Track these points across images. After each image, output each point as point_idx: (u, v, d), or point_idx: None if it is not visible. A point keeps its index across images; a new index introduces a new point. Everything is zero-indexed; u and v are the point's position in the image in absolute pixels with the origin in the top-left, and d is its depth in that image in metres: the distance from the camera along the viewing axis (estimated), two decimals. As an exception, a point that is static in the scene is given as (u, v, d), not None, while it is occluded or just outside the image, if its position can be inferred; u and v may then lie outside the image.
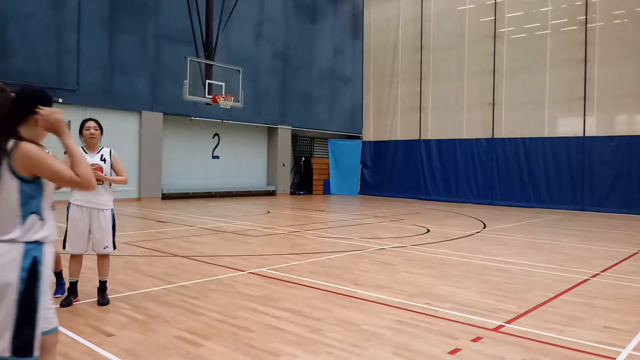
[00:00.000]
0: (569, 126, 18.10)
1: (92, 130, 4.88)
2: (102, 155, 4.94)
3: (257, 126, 22.31)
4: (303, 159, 24.83)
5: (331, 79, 25.20)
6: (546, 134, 18.47)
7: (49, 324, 2.41)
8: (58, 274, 5.20)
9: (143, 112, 17.72)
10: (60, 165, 2.23)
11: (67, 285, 5.06)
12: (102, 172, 4.82)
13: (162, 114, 18.20)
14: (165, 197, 18.63)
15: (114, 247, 4.98)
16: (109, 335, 3.96)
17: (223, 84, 16.91)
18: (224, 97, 16.52)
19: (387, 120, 23.43)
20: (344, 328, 4.22)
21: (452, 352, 3.71)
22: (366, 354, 3.66)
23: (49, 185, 2.31)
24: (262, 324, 4.28)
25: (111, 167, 4.97)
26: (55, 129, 2.29)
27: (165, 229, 10.41)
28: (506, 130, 19.52)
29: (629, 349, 3.85)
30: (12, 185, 2.18)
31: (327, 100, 25.01)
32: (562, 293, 5.61)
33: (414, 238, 9.86)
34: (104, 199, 4.90)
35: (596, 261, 7.71)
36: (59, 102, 15.60)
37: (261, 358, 3.55)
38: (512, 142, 19.18)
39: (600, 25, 17.39)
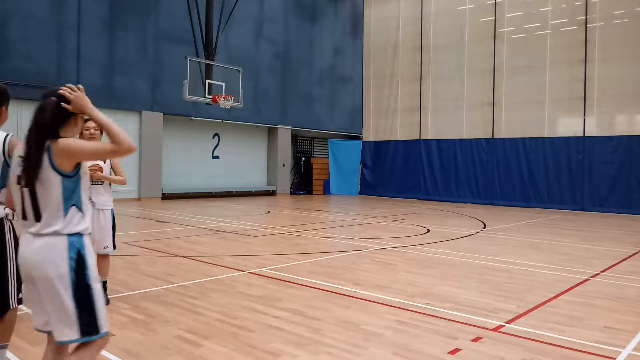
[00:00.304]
0: (569, 126, 18.09)
1: (92, 130, 4.86)
2: None
3: (257, 126, 22.31)
4: (303, 159, 24.83)
5: (331, 79, 25.21)
6: (546, 134, 18.47)
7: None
8: None
9: (143, 112, 17.72)
10: (96, 143, 2.36)
11: None
12: (102, 172, 4.81)
13: (162, 114, 18.20)
14: (165, 197, 18.63)
15: (114, 247, 4.98)
16: (109, 335, 3.95)
17: (223, 84, 16.92)
18: (224, 97, 16.53)
19: (387, 120, 23.43)
20: (344, 328, 4.22)
21: (452, 352, 3.71)
22: (366, 354, 3.66)
23: (86, 179, 2.43)
24: (262, 324, 4.28)
25: (111, 167, 4.97)
26: (79, 108, 2.37)
27: (165, 229, 10.41)
28: (506, 130, 19.52)
29: (629, 349, 3.85)
30: (55, 182, 2.30)
31: (327, 100, 25.01)
32: (562, 293, 5.61)
33: (414, 238, 9.86)
34: (104, 199, 4.91)
35: (596, 261, 7.71)
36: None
37: (261, 358, 3.55)
38: (512, 142, 19.17)
39: (600, 25, 17.39)
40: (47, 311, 2.36)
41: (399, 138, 22.91)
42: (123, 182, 5.00)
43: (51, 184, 2.30)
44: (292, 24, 23.24)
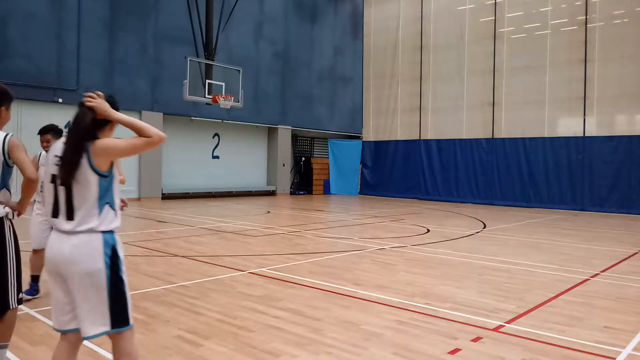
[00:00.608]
0: (569, 126, 18.09)
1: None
2: None
3: (257, 126, 22.31)
4: (303, 159, 24.83)
5: (331, 79, 25.21)
6: (546, 134, 18.47)
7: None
8: (36, 277, 5.15)
9: (143, 112, 17.71)
10: (129, 139, 2.47)
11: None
12: None
13: (162, 114, 18.20)
14: (165, 197, 18.63)
15: None
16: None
17: (223, 84, 16.92)
18: (224, 97, 16.53)
19: (387, 120, 23.42)
20: (344, 328, 4.22)
21: (452, 352, 3.72)
22: (366, 354, 3.66)
23: (117, 180, 2.57)
24: (262, 324, 4.28)
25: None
26: (103, 113, 2.51)
27: (165, 229, 10.41)
28: (506, 130, 19.52)
29: (629, 349, 3.85)
30: (92, 181, 2.43)
31: (327, 100, 25.01)
32: (562, 293, 5.61)
33: (414, 238, 9.86)
34: None
35: (596, 261, 7.71)
36: (59, 102, 15.62)
37: (261, 358, 3.55)
38: (512, 142, 19.17)
39: (600, 25, 17.39)
40: (76, 307, 2.46)
41: (399, 138, 22.90)
42: (122, 182, 4.99)
43: (88, 184, 2.42)
44: (292, 24, 23.24)
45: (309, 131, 24.67)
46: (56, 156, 2.49)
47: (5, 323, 3.11)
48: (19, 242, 3.25)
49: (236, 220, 12.32)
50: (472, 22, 20.52)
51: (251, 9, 21.16)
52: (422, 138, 22.00)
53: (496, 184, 19.53)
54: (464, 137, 20.55)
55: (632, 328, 4.37)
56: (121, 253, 2.53)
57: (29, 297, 5.01)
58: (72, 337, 2.58)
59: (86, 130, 2.48)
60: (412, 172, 22.04)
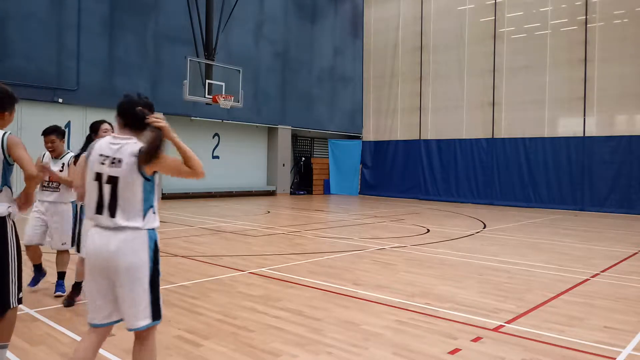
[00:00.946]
0: (569, 126, 18.09)
1: (110, 133, 5.03)
2: None
3: (257, 126, 22.31)
4: (303, 159, 24.83)
5: (331, 79, 25.21)
6: (546, 134, 18.47)
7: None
8: (38, 266, 5.33)
9: (143, 112, 17.68)
10: (177, 161, 2.62)
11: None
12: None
13: (162, 114, 17.95)
14: (165, 197, 18.63)
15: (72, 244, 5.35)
16: (110, 335, 3.95)
17: (223, 84, 16.91)
18: (224, 97, 16.52)
19: (387, 120, 23.42)
20: (344, 328, 4.22)
21: (452, 352, 3.72)
22: (366, 354, 3.66)
23: (158, 185, 2.72)
24: (262, 324, 4.28)
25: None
26: (169, 135, 2.64)
27: (165, 229, 10.41)
28: (506, 130, 19.51)
29: (629, 349, 3.85)
30: (138, 183, 2.57)
31: (327, 100, 25.01)
32: (562, 293, 5.61)
33: (414, 238, 9.86)
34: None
35: (596, 261, 7.71)
36: (59, 102, 15.62)
37: (261, 358, 3.55)
38: (512, 142, 19.17)
39: (600, 25, 17.39)
40: (120, 301, 2.57)
41: (399, 138, 22.90)
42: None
43: (134, 185, 2.56)
44: (292, 24, 23.24)
45: (309, 131, 24.67)
46: (101, 155, 2.60)
47: (6, 322, 3.11)
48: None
49: (236, 220, 12.32)
50: (472, 22, 20.52)
51: (251, 9, 21.16)
52: (422, 138, 21.99)
53: (496, 184, 19.53)
54: (464, 137, 20.55)
55: (632, 328, 4.37)
56: (159, 249, 2.68)
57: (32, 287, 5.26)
58: (104, 331, 2.70)
59: (155, 149, 2.56)
60: (412, 172, 22.04)
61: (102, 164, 2.59)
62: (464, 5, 20.77)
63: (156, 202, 2.68)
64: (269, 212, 15.12)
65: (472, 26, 20.50)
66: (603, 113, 17.32)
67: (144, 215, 2.59)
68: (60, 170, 5.15)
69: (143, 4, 17.82)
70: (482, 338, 4.04)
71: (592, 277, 6.55)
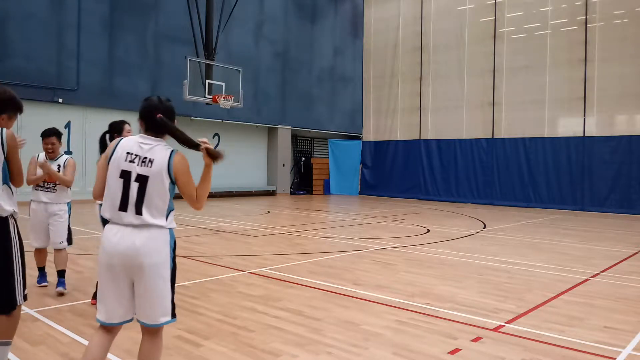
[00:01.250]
0: (569, 126, 18.09)
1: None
2: None
3: (257, 126, 22.31)
4: (303, 159, 24.83)
5: (331, 79, 25.21)
6: (546, 134, 18.47)
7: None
8: (42, 269, 5.46)
9: (143, 112, 17.68)
10: (194, 185, 2.75)
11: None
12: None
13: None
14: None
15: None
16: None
17: (223, 84, 16.90)
18: (224, 97, 16.51)
19: (387, 120, 23.43)
20: (344, 328, 4.22)
21: (452, 352, 3.72)
22: (366, 354, 3.66)
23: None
24: (262, 324, 4.28)
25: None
26: (215, 155, 2.84)
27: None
28: (506, 130, 19.52)
29: (629, 349, 3.85)
30: (166, 185, 2.65)
31: (327, 100, 25.01)
32: (562, 293, 5.61)
33: (414, 238, 9.86)
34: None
35: (596, 261, 7.71)
36: (59, 102, 15.61)
37: (261, 358, 3.55)
38: (512, 142, 19.17)
39: (600, 25, 17.39)
40: (141, 298, 2.60)
41: (399, 138, 22.91)
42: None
43: (163, 186, 2.64)
44: (292, 24, 23.23)
45: (309, 131, 24.67)
46: (129, 153, 2.66)
47: (11, 320, 3.12)
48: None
49: (236, 220, 12.32)
50: (472, 22, 20.52)
51: (251, 9, 21.16)
52: (422, 138, 22.00)
53: (496, 184, 19.53)
54: (464, 137, 20.55)
55: (632, 328, 4.37)
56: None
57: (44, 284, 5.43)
58: (116, 330, 2.73)
59: (217, 157, 2.84)
60: (412, 172, 22.04)
61: (131, 162, 2.63)
62: (464, 5, 20.77)
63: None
64: (269, 212, 15.12)
65: (472, 26, 20.50)
66: (603, 113, 17.32)
67: (167, 214, 2.66)
68: (57, 172, 5.23)
69: (143, 4, 17.82)
70: (482, 338, 4.04)
71: (592, 277, 6.55)
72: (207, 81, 16.45)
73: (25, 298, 3.18)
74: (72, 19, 15.99)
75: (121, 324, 2.69)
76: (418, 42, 22.22)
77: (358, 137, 25.13)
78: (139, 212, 2.60)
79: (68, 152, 5.37)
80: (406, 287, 5.72)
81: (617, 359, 3.66)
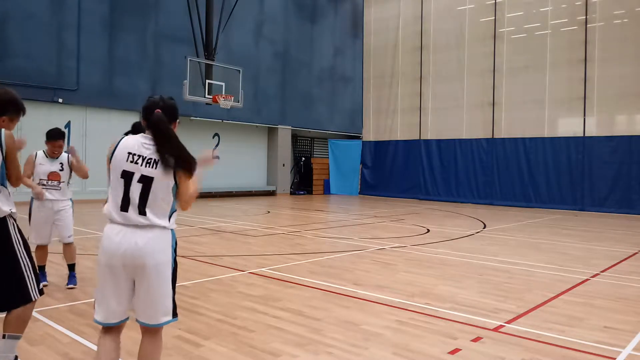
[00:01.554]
0: (569, 126, 18.09)
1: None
2: None
3: (257, 126, 22.31)
4: (303, 159, 24.82)
5: (331, 79, 25.21)
6: (546, 134, 18.47)
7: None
8: (42, 267, 5.48)
9: (143, 112, 17.68)
10: (195, 183, 2.76)
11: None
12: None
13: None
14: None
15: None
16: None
17: (223, 84, 16.90)
18: (224, 97, 16.51)
19: (387, 120, 23.42)
20: (344, 328, 4.22)
21: (452, 352, 3.71)
22: (366, 354, 3.66)
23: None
24: (262, 324, 4.28)
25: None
26: (205, 165, 2.87)
27: (165, 229, 10.39)
28: (506, 130, 19.52)
29: (629, 349, 3.85)
30: (171, 186, 2.65)
31: (327, 100, 25.01)
32: (562, 293, 5.61)
33: (414, 238, 9.86)
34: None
35: (596, 261, 7.71)
36: (59, 102, 15.61)
37: (261, 358, 3.55)
38: (512, 142, 19.17)
39: (600, 25, 17.39)
40: (142, 298, 2.59)
41: (399, 138, 22.91)
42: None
43: (167, 187, 2.63)
44: (292, 24, 23.23)
45: (309, 131, 24.67)
46: (131, 153, 2.63)
47: (25, 313, 3.16)
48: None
49: (236, 220, 12.32)
50: (472, 22, 20.52)
51: (251, 9, 21.16)
52: (422, 138, 22.00)
53: (496, 184, 19.53)
54: (464, 137, 20.55)
55: (632, 328, 4.37)
56: None
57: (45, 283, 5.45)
58: (117, 330, 2.73)
59: (170, 136, 2.67)
60: (412, 172, 22.04)
61: (134, 162, 2.61)
62: (464, 5, 20.77)
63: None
64: (269, 212, 15.12)
65: (472, 26, 20.50)
66: (603, 113, 17.32)
67: (170, 214, 2.67)
68: (61, 170, 5.32)
69: (143, 4, 17.82)
70: (482, 338, 4.04)
71: (592, 277, 6.55)
72: (207, 81, 16.45)
73: (41, 292, 3.21)
74: (72, 19, 15.99)
75: (119, 323, 2.69)
76: (418, 42, 22.22)
77: (358, 137, 25.13)
78: (142, 212, 2.59)
79: (67, 152, 5.43)
80: (406, 287, 5.72)
81: (617, 359, 3.66)
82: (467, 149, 20.40)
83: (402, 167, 22.50)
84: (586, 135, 17.60)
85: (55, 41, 15.67)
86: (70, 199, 5.51)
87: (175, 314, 2.70)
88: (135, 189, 2.60)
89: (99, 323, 2.66)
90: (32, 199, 5.30)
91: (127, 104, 17.35)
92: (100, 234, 2.79)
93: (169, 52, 18.30)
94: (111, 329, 2.69)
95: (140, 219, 2.59)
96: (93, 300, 4.92)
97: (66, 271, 5.58)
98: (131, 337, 3.89)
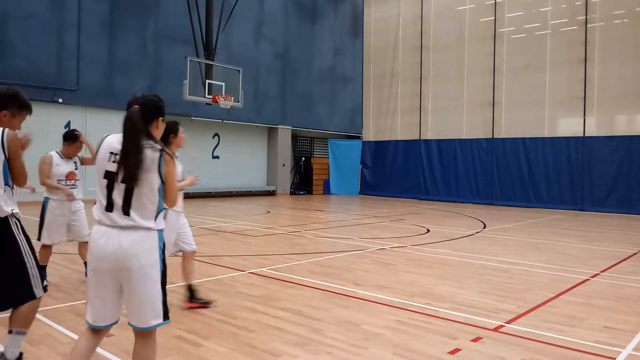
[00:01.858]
0: (569, 126, 18.09)
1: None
2: None
3: (257, 126, 22.31)
4: (303, 159, 24.82)
5: (331, 79, 25.21)
6: (546, 134, 18.47)
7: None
8: (44, 267, 5.51)
9: (143, 112, 17.68)
10: (174, 183, 2.65)
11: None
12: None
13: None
14: (165, 197, 18.60)
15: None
16: (109, 335, 3.94)
17: (223, 84, 16.90)
18: (224, 97, 16.51)
19: (387, 120, 23.43)
20: (344, 328, 4.22)
21: (452, 352, 3.72)
22: (366, 354, 3.66)
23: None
24: (262, 324, 4.28)
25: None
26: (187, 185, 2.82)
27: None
28: (506, 130, 19.52)
29: (629, 349, 3.85)
30: (156, 185, 2.56)
31: (327, 100, 25.01)
32: (562, 293, 5.61)
33: (414, 238, 9.86)
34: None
35: (596, 261, 7.71)
36: (59, 102, 15.61)
37: (261, 358, 3.55)
38: (512, 142, 19.17)
39: (600, 25, 17.39)
40: (131, 301, 2.55)
41: (399, 138, 22.91)
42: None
43: (151, 187, 2.54)
44: (292, 24, 23.24)
45: (309, 131, 24.67)
46: (113, 153, 2.57)
47: (31, 310, 3.17)
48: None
49: (236, 220, 12.32)
50: (472, 22, 20.52)
51: (251, 9, 21.16)
52: (422, 138, 22.00)
53: (496, 184, 19.53)
54: (464, 137, 20.56)
55: (632, 328, 4.37)
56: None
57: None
58: (102, 333, 2.70)
59: (140, 132, 2.59)
60: (412, 172, 22.05)
61: (116, 162, 2.54)
62: (464, 5, 20.77)
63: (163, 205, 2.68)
64: (269, 212, 15.12)
65: (472, 26, 20.50)
66: (603, 113, 17.32)
67: (156, 215, 2.60)
68: (76, 169, 5.43)
69: (143, 4, 17.82)
70: (482, 338, 4.04)
71: (592, 277, 6.55)
72: (207, 81, 16.45)
73: (45, 289, 3.23)
74: (72, 19, 15.99)
75: (108, 326, 2.66)
76: (418, 42, 22.22)
77: (358, 137, 25.13)
78: (126, 213, 2.52)
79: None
80: (406, 287, 5.72)
81: (617, 359, 3.66)
82: (467, 149, 20.40)
83: (402, 167, 22.50)
84: (586, 135, 17.60)
85: (55, 41, 15.67)
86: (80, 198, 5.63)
87: (166, 317, 2.62)
88: (119, 189, 2.52)
89: (89, 324, 2.64)
90: (46, 199, 5.34)
91: (127, 104, 17.31)
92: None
93: (169, 52, 18.30)
94: (96, 331, 2.66)
95: (125, 221, 2.52)
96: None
97: (67, 271, 5.60)
98: (130, 337, 3.89)
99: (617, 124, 17.17)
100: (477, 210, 17.04)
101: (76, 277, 5.86)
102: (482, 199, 19.81)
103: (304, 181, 24.64)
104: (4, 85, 3.29)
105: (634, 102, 16.69)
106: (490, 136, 19.88)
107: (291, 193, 23.79)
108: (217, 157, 21.06)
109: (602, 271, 6.93)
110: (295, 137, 24.47)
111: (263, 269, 6.55)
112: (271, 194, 22.83)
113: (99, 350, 3.60)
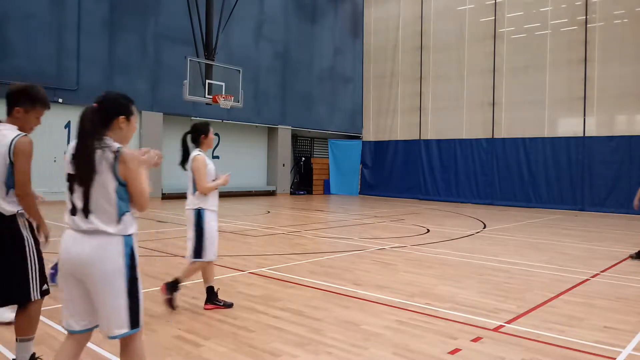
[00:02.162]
0: (569, 126, 18.09)
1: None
2: None
3: (257, 126, 22.31)
4: (303, 159, 24.83)
5: (331, 79, 25.21)
6: (546, 134, 18.47)
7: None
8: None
9: (143, 112, 17.72)
10: (145, 183, 2.51)
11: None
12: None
13: (162, 114, 18.19)
14: (165, 197, 18.63)
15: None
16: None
17: (223, 84, 16.90)
18: (224, 97, 16.51)
19: (387, 120, 23.43)
20: (344, 328, 4.22)
21: (452, 352, 3.72)
22: (366, 354, 3.66)
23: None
24: (262, 324, 4.28)
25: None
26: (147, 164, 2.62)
27: (165, 229, 10.41)
28: (506, 130, 19.52)
29: (629, 349, 3.85)
30: (111, 187, 2.44)
31: (327, 100, 25.01)
32: (562, 293, 5.61)
33: (414, 238, 9.86)
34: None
35: (596, 261, 7.71)
36: (59, 102, 15.61)
37: (261, 358, 3.55)
38: (512, 142, 19.17)
39: (600, 25, 17.39)
40: (96, 308, 2.48)
41: (399, 138, 22.91)
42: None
43: (105, 187, 2.43)
44: (292, 24, 23.24)
45: (309, 131, 24.67)
46: (72, 155, 2.50)
47: (29, 316, 3.15)
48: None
49: (236, 220, 12.32)
50: (472, 22, 20.52)
51: (251, 9, 21.16)
52: (422, 138, 22.00)
53: (496, 184, 19.53)
54: (464, 137, 20.55)
55: (632, 328, 4.37)
56: (137, 254, 2.56)
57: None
58: (81, 338, 2.61)
59: (91, 131, 2.46)
60: (412, 172, 22.04)
61: (72, 164, 2.48)
62: (464, 5, 20.77)
63: (132, 207, 2.55)
64: (269, 212, 15.12)
65: (472, 26, 20.50)
66: (603, 113, 17.32)
67: (119, 221, 2.46)
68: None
69: (143, 4, 17.82)
70: (482, 338, 4.04)
71: (592, 277, 6.55)
72: (207, 81, 16.44)
73: (43, 293, 3.19)
74: (72, 19, 15.99)
75: (84, 332, 2.58)
76: (418, 42, 22.22)
77: (358, 137, 25.12)
78: (87, 216, 2.44)
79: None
80: (406, 287, 5.72)
81: (617, 359, 3.66)
82: (467, 149, 20.40)
83: (402, 167, 22.50)
84: (586, 135, 17.60)
85: (55, 41, 15.67)
86: None
87: (135, 325, 2.51)
88: (78, 192, 2.45)
89: (64, 328, 2.61)
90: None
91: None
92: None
93: (169, 52, 18.30)
94: (74, 336, 2.60)
95: (87, 224, 2.44)
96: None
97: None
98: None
99: (617, 124, 17.17)
100: (477, 210, 17.04)
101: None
102: (482, 199, 19.81)
103: (304, 181, 24.64)
104: (23, 83, 3.26)
105: (634, 102, 16.69)
106: (490, 136, 19.88)
107: (291, 193, 23.79)
108: (217, 157, 21.06)
109: (602, 271, 6.93)
110: (295, 137, 24.47)
111: (263, 269, 6.55)
112: (271, 194, 22.84)
113: (98, 350, 3.60)
